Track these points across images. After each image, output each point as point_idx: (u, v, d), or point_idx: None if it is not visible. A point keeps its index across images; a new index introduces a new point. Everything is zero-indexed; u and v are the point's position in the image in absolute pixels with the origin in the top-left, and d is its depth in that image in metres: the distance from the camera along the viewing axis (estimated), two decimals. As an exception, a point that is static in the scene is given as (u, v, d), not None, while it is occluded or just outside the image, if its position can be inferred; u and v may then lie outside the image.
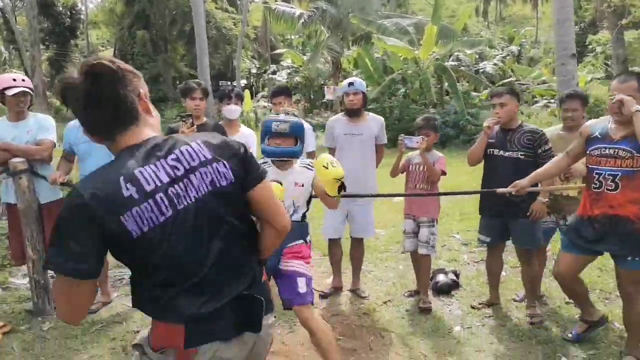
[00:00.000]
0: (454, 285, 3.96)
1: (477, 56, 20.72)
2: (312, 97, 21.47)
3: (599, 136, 2.75)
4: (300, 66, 21.71)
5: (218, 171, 1.31)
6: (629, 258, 2.67)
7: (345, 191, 2.44)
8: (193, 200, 1.27)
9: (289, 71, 23.07)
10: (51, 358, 2.96)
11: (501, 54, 23.92)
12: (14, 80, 3.37)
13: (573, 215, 3.06)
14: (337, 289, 3.95)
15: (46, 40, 25.96)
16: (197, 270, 1.28)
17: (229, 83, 25.16)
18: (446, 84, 15.45)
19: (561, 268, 2.91)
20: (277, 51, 26.27)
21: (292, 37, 30.06)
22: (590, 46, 22.65)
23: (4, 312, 3.59)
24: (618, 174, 2.64)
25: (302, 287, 2.49)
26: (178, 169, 1.26)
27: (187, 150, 1.29)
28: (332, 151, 3.88)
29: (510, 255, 4.26)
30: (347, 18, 17.45)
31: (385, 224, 5.71)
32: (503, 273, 3.84)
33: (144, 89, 1.33)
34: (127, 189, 1.19)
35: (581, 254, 2.86)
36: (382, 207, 5.98)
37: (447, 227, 5.63)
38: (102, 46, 35.56)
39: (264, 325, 1.41)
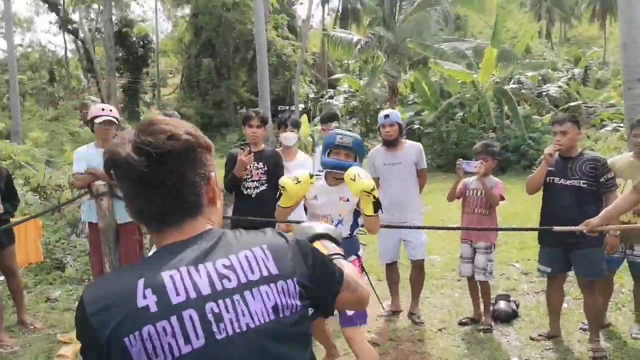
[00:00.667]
0: (513, 314, 3.90)
1: (539, 78, 20.11)
2: (368, 121, 21.62)
3: None
4: (357, 91, 21.99)
5: (286, 293, 0.91)
6: None
7: (380, 208, 2.59)
8: (244, 329, 0.86)
9: (345, 96, 23.42)
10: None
11: (566, 75, 23.08)
12: (103, 110, 3.76)
13: None
14: (394, 312, 4.01)
15: (120, 68, 27.98)
16: None
17: (288, 107, 25.93)
18: (506, 107, 15.13)
19: None
20: (335, 76, 26.79)
21: (349, 62, 30.59)
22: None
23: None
24: None
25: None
26: (229, 279, 0.88)
27: (247, 256, 0.91)
28: (375, 181, 4.02)
29: (572, 286, 4.13)
30: (404, 43, 17.60)
31: (439, 251, 5.68)
32: (564, 305, 3.75)
33: (214, 169, 1.00)
34: (145, 297, 0.82)
35: None
36: (437, 234, 5.95)
37: (506, 256, 5.51)
38: (171, 73, 37.74)
39: None
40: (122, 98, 27.46)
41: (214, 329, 0.83)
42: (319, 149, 4.45)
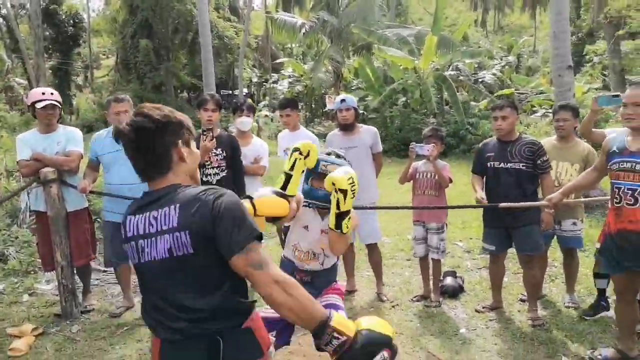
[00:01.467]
0: (460, 289, 4.16)
1: (476, 65, 20.97)
2: (313, 106, 21.71)
3: (617, 150, 2.77)
4: (302, 75, 21.98)
5: (179, 240, 1.37)
6: None
7: (344, 225, 2.15)
8: (153, 259, 1.41)
9: (290, 80, 23.34)
10: (83, 358, 3.14)
11: (500, 63, 24.21)
12: (43, 94, 3.57)
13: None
14: (350, 292, 4.15)
15: (49, 48, 26.20)
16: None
17: (231, 92, 25.45)
18: (446, 93, 15.70)
19: (618, 287, 2.95)
20: (278, 60, 26.58)
21: (293, 46, 30.40)
22: (588, 56, 22.96)
23: (34, 316, 3.77)
24: (637, 189, 2.63)
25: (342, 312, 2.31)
26: (152, 227, 1.41)
27: (165, 212, 1.40)
28: None
29: (511, 262, 4.46)
30: (348, 28, 17.75)
31: (389, 233, 5.89)
32: (505, 279, 4.04)
33: (184, 137, 1.48)
34: (123, 227, 1.50)
35: (619, 270, 2.85)
36: (386, 216, 6.17)
37: (450, 236, 5.77)
38: (104, 54, 35.83)
39: None
40: (52, 80, 25.79)
41: (140, 255, 1.44)
42: (282, 135, 4.48)
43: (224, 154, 3.67)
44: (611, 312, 3.55)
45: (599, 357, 3.00)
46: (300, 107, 22.12)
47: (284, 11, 25.90)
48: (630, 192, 2.67)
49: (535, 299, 3.69)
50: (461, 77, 17.91)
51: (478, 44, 27.47)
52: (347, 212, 2.10)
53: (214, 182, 3.63)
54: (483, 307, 3.83)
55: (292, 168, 2.21)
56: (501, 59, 25.32)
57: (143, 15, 23.39)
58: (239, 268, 1.35)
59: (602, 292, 3.65)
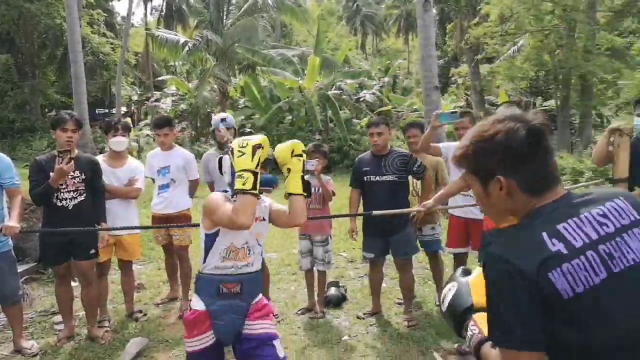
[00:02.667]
0: (343, 298, 4.28)
1: (357, 86, 22.12)
2: (199, 125, 21.18)
3: None
4: (186, 94, 21.38)
5: None
6: None
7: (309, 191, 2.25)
8: (632, 263, 1.10)
9: (174, 99, 22.55)
10: None
11: (379, 83, 25.82)
12: None
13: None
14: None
15: None
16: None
17: (108, 111, 23.89)
18: (330, 111, 16.31)
19: None
20: (160, 78, 25.60)
21: (176, 64, 29.49)
22: (453, 78, 25.45)
23: None
24: None
25: (280, 350, 2.20)
26: (607, 226, 1.12)
27: (612, 206, 1.16)
28: (210, 185, 4.10)
29: (388, 268, 4.70)
30: (232, 47, 17.70)
31: (276, 248, 5.91)
32: (384, 284, 4.24)
33: None
34: (554, 244, 1.08)
35: None
36: (272, 231, 6.17)
37: (334, 247, 5.96)
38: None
39: None
40: None
41: (610, 264, 1.09)
42: (152, 154, 4.27)
43: (83, 177, 3.41)
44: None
45: (467, 349, 3.26)
46: (185, 126, 21.53)
47: (166, 28, 25.13)
48: None
49: (410, 301, 3.93)
50: (344, 97, 18.73)
51: (359, 65, 29.04)
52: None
53: (71, 207, 3.34)
54: (364, 314, 3.97)
55: (257, 166, 1.97)
56: (379, 80, 27.00)
57: (3, 29, 21.14)
58: None
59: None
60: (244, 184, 1.93)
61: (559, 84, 17.77)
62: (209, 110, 19.81)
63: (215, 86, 18.96)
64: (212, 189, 4.06)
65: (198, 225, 2.23)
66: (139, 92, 27.79)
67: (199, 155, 6.45)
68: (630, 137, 3.46)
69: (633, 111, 3.57)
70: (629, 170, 3.43)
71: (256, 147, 1.95)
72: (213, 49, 17.69)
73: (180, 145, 4.37)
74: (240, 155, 1.94)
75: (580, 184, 5.14)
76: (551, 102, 19.77)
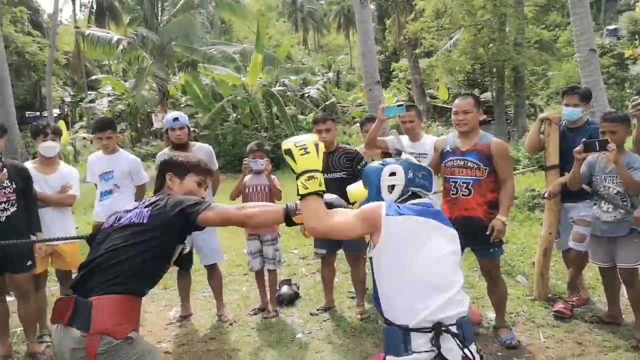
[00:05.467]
0: (296, 296, 4.27)
1: (301, 82, 22.14)
2: (139, 126, 20.44)
3: (450, 150, 3.25)
4: (123, 94, 20.56)
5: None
6: (490, 250, 3.20)
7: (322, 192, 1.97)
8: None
9: (110, 99, 21.65)
10: None
11: (322, 79, 25.96)
12: None
13: None
14: (185, 317, 3.96)
15: None
16: None
17: (39, 114, 22.56)
18: (275, 108, 16.22)
19: None
20: (94, 77, 24.46)
21: (111, 62, 28.26)
22: (394, 72, 26.03)
23: None
24: (470, 182, 3.13)
25: None
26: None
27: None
28: None
29: (340, 263, 4.73)
30: (170, 45, 17.17)
31: (225, 249, 5.78)
32: (336, 279, 4.27)
33: None
34: None
35: None
36: (222, 233, 6.05)
37: (286, 244, 5.94)
38: None
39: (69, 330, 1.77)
40: None
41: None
42: (94, 158, 4.06)
43: (14, 186, 3.19)
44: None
45: None
46: (124, 127, 20.71)
47: (98, 26, 23.97)
48: (464, 184, 3.16)
49: (363, 294, 3.97)
50: (288, 93, 18.71)
51: (301, 61, 29.08)
52: (303, 172, 1.72)
53: (3, 219, 3.12)
54: (317, 310, 3.98)
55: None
56: (323, 76, 27.18)
57: None
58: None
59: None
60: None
61: (494, 76, 18.59)
62: (149, 110, 19.16)
63: (154, 85, 18.33)
64: None
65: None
66: (71, 93, 26.40)
67: (140, 157, 6.20)
68: (558, 125, 3.67)
69: (561, 100, 3.77)
70: (560, 157, 3.64)
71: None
72: (149, 46, 17.06)
73: (120, 147, 4.16)
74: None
75: (517, 172, 5.39)
76: (488, 94, 20.63)
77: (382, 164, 1.91)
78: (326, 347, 3.35)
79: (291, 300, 4.18)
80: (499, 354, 3.13)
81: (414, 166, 1.89)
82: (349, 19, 37.21)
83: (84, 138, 18.79)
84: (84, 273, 1.88)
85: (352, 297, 4.13)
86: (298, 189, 1.73)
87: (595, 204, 3.29)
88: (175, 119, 3.84)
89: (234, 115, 16.53)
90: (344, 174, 3.73)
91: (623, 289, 3.36)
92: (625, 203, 3.12)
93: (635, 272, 3.20)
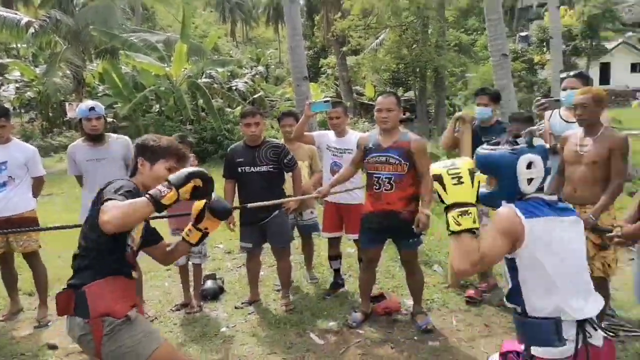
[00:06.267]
0: (220, 290, 4.23)
1: (229, 74, 21.73)
2: (50, 115, 19.06)
3: (373, 146, 3.37)
4: (33, 80, 19.06)
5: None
6: (410, 240, 3.36)
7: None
8: None
9: (17, 85, 19.96)
10: None
11: (251, 72, 25.66)
12: None
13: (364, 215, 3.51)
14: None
15: None
16: None
17: None
18: (201, 100, 15.80)
19: (371, 256, 3.52)
20: (0, 61, 22.41)
21: (19, 46, 26.04)
22: (323, 68, 26.31)
23: None
24: (392, 177, 3.27)
25: None
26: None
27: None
28: (79, 179, 3.80)
29: (266, 256, 4.75)
30: (87, 30, 16.14)
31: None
32: (261, 273, 4.28)
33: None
34: None
35: (376, 244, 3.48)
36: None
37: (211, 239, 5.86)
38: None
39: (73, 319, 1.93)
40: None
41: None
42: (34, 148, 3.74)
43: None
44: (345, 288, 4.16)
45: (354, 322, 3.50)
46: (34, 116, 19.21)
47: (5, 7, 21.96)
48: (387, 180, 3.30)
49: (288, 287, 4.02)
50: (215, 85, 18.29)
51: (229, 54, 28.54)
52: (455, 205, 1.60)
53: None
54: (242, 303, 3.97)
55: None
56: (252, 69, 26.86)
57: None
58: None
59: (337, 272, 4.22)
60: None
61: (417, 76, 19.38)
62: (62, 98, 17.92)
63: (67, 72, 17.15)
64: (80, 183, 3.79)
65: (45, 229, 2.14)
66: (-28, 78, 24.03)
67: (52, 149, 5.79)
68: (472, 124, 3.93)
69: (475, 101, 4.03)
70: (472, 153, 3.90)
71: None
72: (63, 31, 15.92)
73: (29, 137, 3.88)
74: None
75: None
76: (411, 93, 21.47)
77: (514, 152, 1.65)
78: (251, 340, 3.36)
79: (215, 295, 4.13)
80: (415, 338, 3.31)
81: (545, 151, 1.68)
82: (279, 13, 37.05)
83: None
84: (72, 264, 2.03)
85: (278, 290, 4.17)
86: (448, 224, 1.59)
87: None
88: (91, 108, 3.65)
89: (157, 106, 15.90)
90: (270, 167, 3.76)
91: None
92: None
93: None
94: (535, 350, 1.57)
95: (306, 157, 4.26)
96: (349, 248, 4.85)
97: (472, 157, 3.77)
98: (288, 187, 3.99)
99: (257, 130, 3.75)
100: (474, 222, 1.56)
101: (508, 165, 1.64)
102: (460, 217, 1.56)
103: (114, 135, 3.90)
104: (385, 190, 3.33)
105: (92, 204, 2.01)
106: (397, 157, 3.30)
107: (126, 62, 16.41)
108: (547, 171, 1.68)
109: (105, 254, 1.96)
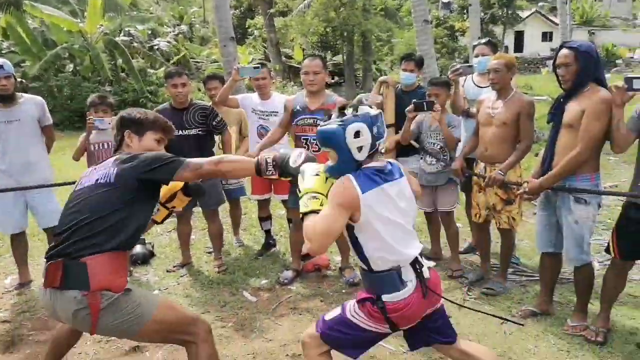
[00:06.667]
0: (150, 255, 4.20)
1: (149, 32, 20.54)
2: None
3: (300, 109, 3.43)
4: None
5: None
6: None
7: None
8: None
9: None
10: None
11: (173, 32, 24.39)
12: None
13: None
14: (23, 284, 3.67)
15: None
16: None
17: None
18: (120, 60, 14.91)
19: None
20: None
21: None
22: (250, 29, 25.58)
23: None
24: None
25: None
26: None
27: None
28: None
29: (197, 220, 4.75)
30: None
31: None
32: (192, 236, 4.29)
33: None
34: None
35: None
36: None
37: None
38: None
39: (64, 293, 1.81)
40: None
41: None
42: None
43: None
44: (277, 248, 4.31)
45: (285, 280, 3.65)
46: None
47: None
48: (315, 142, 3.34)
49: (220, 248, 4.07)
50: (135, 44, 17.27)
51: (148, 10, 26.84)
52: (308, 193, 1.88)
53: None
54: (174, 267, 3.99)
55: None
56: (174, 28, 25.53)
57: None
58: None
59: (268, 233, 4.34)
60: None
61: (345, 40, 19.47)
62: (-42, 55, 16.10)
63: (-36, 25, 15.39)
64: None
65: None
66: None
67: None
68: (395, 88, 4.10)
69: (400, 66, 4.20)
70: (395, 117, 4.08)
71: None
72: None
73: None
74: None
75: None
76: (339, 57, 21.56)
77: (341, 124, 1.79)
78: (184, 300, 3.41)
79: (145, 259, 4.11)
80: (344, 291, 3.52)
81: (372, 117, 1.82)
82: (202, -32, 35.16)
83: None
84: (66, 236, 1.87)
85: (209, 253, 4.21)
86: (300, 207, 1.81)
87: (421, 158, 3.80)
88: (1, 66, 3.39)
89: (72, 65, 14.81)
90: (199, 131, 3.73)
91: (443, 230, 3.98)
92: (445, 157, 3.67)
93: (451, 214, 3.82)
94: (385, 298, 1.82)
95: (235, 122, 4.25)
96: (279, 210, 4.97)
97: (395, 120, 4.02)
98: (218, 151, 3.99)
99: (184, 91, 3.68)
100: (321, 205, 1.79)
101: (339, 136, 1.77)
102: (309, 200, 1.80)
103: (27, 96, 3.66)
104: (314, 151, 3.41)
105: (121, 162, 1.97)
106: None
107: (33, 14, 14.99)
108: (377, 137, 1.82)
109: (124, 226, 1.90)
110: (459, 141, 3.67)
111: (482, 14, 18.80)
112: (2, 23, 15.47)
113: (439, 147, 3.69)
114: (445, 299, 1.97)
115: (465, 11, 21.66)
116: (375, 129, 1.81)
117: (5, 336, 2.97)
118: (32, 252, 3.92)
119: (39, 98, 3.73)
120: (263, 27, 23.08)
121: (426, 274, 1.87)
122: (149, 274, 3.89)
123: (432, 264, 1.98)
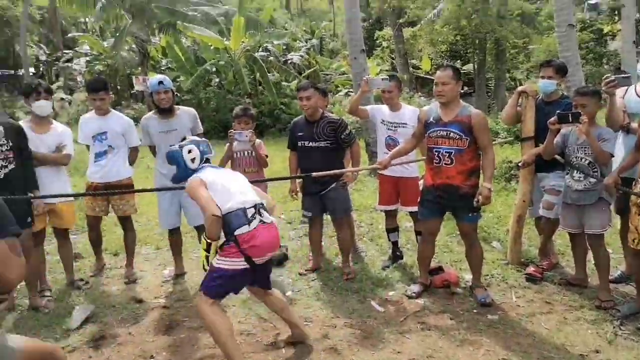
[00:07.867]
0: (285, 258, 4.48)
1: (284, 47, 21.84)
2: (119, 88, 20.02)
3: (434, 120, 3.42)
4: (101, 54, 20.01)
5: None
6: (470, 214, 3.43)
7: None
8: None
9: (87, 59, 21.04)
10: None
11: (305, 45, 25.63)
12: None
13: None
14: (179, 275, 4.15)
15: None
16: None
17: (14, 72, 21.83)
18: (258, 74, 16.08)
19: (430, 229, 3.64)
20: (71, 35, 23.66)
21: (87, 20, 27.27)
22: (378, 41, 25.84)
23: None
24: (452, 152, 3.32)
25: None
26: None
27: None
28: (152, 149, 4.12)
29: (327, 227, 4.94)
30: (150, 4, 16.69)
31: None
32: (323, 242, 4.48)
33: None
34: None
35: (436, 216, 3.57)
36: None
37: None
38: None
39: None
40: None
41: None
42: (86, 118, 4.10)
43: (10, 144, 3.25)
44: (404, 260, 4.30)
45: (413, 293, 3.64)
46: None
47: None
48: (447, 154, 3.35)
49: (348, 256, 4.19)
50: (271, 58, 18.49)
51: (284, 26, 28.54)
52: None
53: (2, 176, 3.20)
54: (306, 270, 4.20)
55: None
56: (306, 42, 26.80)
57: None
58: None
59: (395, 244, 4.35)
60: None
61: (476, 49, 18.69)
62: (128, 71, 18.75)
63: (133, 46, 17.88)
64: (153, 153, 4.10)
65: (140, 190, 2.45)
66: (47, 52, 25.52)
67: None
68: (535, 98, 3.86)
69: (539, 74, 3.95)
70: (535, 129, 3.85)
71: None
72: (128, 4, 16.55)
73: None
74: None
75: (495, 143, 5.62)
76: (470, 66, 20.77)
77: (180, 147, 2.90)
78: (315, 304, 3.58)
79: (280, 261, 4.38)
80: (474, 310, 3.40)
81: (197, 142, 2.92)
82: (334, -16, 36.45)
83: (62, 99, 18.33)
84: None
85: (339, 260, 4.36)
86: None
87: (567, 174, 3.53)
88: (160, 82, 3.89)
89: (217, 80, 16.34)
90: (328, 143, 3.88)
91: (590, 255, 3.64)
92: (595, 172, 3.36)
93: (601, 237, 3.47)
94: (237, 232, 2.56)
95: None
96: (406, 222, 4.96)
97: (535, 132, 3.77)
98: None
99: (308, 104, 3.83)
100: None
101: (178, 156, 2.88)
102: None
103: (182, 108, 4.15)
104: (445, 164, 3.38)
105: None
106: (458, 132, 3.32)
107: (186, 34, 16.84)
108: (203, 152, 2.90)
109: None
110: (612, 156, 3.34)
111: (638, 15, 16.67)
112: (162, 43, 17.67)
113: (587, 162, 3.39)
114: None
115: (615, 13, 19.46)
116: (201, 147, 2.90)
117: (165, 320, 3.39)
118: (185, 247, 4.42)
119: (192, 110, 4.19)
120: (391, 38, 23.16)
121: (268, 219, 2.69)
122: (283, 276, 4.14)
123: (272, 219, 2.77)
